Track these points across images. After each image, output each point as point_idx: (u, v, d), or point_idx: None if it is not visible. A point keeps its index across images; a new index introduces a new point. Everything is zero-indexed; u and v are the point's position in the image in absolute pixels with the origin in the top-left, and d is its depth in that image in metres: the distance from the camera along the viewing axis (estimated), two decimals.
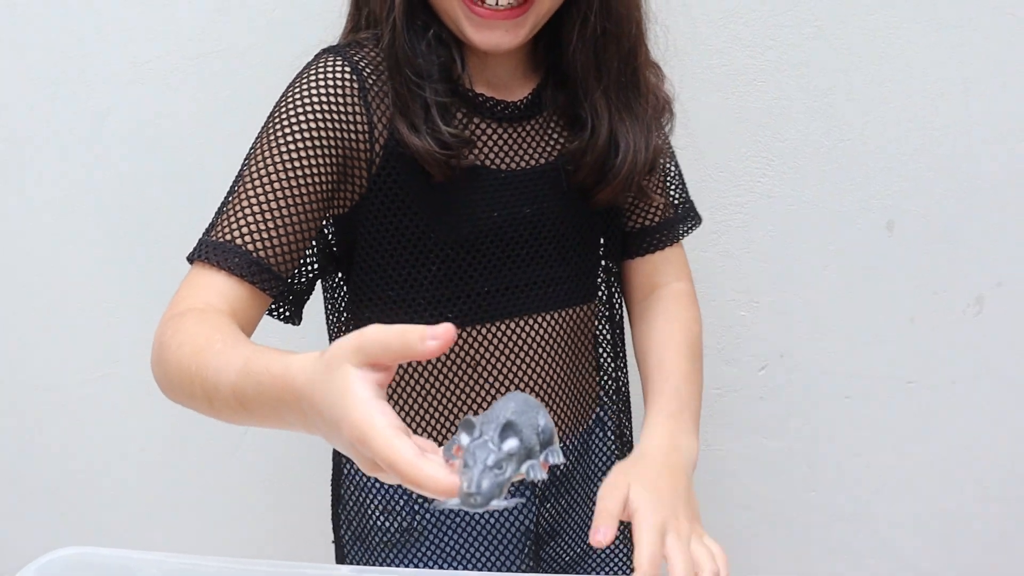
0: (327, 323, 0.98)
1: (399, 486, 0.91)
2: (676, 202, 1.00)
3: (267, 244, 0.79)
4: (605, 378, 1.03)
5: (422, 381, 0.91)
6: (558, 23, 0.86)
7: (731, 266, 1.37)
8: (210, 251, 0.78)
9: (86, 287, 1.37)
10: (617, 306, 1.02)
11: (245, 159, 0.83)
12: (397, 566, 0.94)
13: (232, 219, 0.79)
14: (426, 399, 0.91)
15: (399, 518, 0.93)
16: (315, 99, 0.82)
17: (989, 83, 1.30)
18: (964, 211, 1.35)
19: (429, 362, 0.90)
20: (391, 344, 0.53)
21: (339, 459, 1.00)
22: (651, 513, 0.72)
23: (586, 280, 0.97)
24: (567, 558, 0.99)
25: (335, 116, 0.82)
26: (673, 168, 1.00)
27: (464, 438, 0.54)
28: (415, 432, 0.65)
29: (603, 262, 1.00)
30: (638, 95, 0.90)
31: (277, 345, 0.71)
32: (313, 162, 0.81)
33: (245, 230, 0.79)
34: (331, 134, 0.81)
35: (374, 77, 0.84)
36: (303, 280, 0.88)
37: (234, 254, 0.78)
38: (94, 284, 1.37)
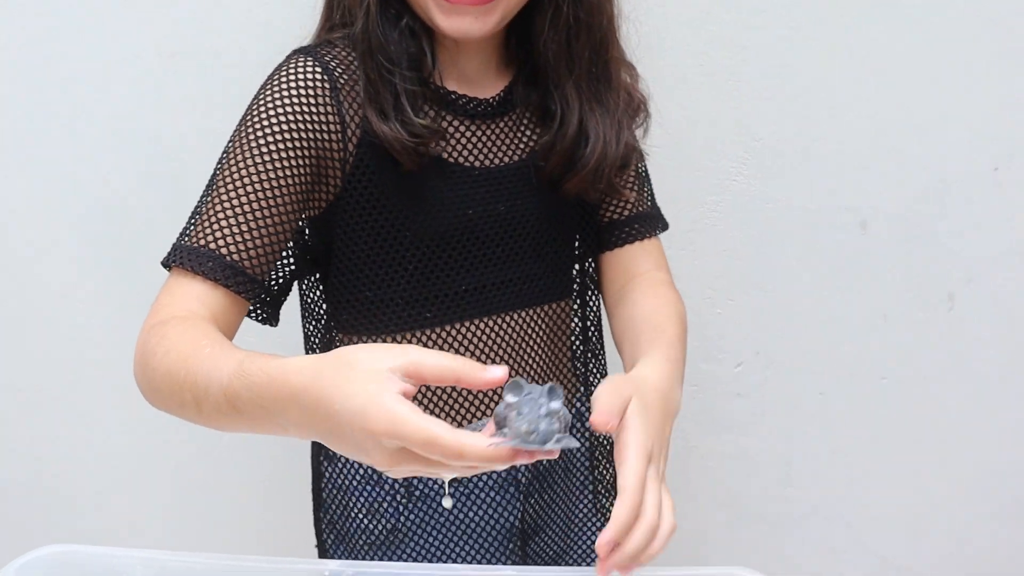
0: (303, 323, 0.98)
1: (382, 487, 0.92)
2: (648, 199, 1.01)
3: (243, 248, 0.79)
4: (583, 374, 1.03)
5: None
6: (530, 16, 0.86)
7: (707, 264, 1.38)
8: (186, 257, 0.78)
9: (62, 287, 1.36)
10: (592, 303, 1.02)
11: (218, 162, 0.83)
12: None
13: (207, 224, 0.79)
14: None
15: (383, 519, 0.93)
16: (287, 101, 0.81)
17: (960, 84, 1.32)
18: (936, 210, 1.37)
19: None
20: (445, 375, 0.59)
21: (319, 463, 1.00)
22: (643, 435, 0.68)
23: (562, 277, 0.97)
24: (551, 553, 1.00)
25: (307, 117, 0.82)
26: (644, 171, 1.01)
27: (511, 397, 0.59)
28: None
29: (578, 261, 1.00)
30: (609, 88, 0.90)
31: (254, 344, 0.71)
32: (287, 163, 0.81)
33: (220, 234, 0.79)
34: (304, 135, 0.81)
35: (345, 77, 0.84)
36: (280, 282, 0.88)
37: (210, 259, 0.78)
38: (70, 284, 1.36)
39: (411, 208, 0.86)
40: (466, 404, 0.92)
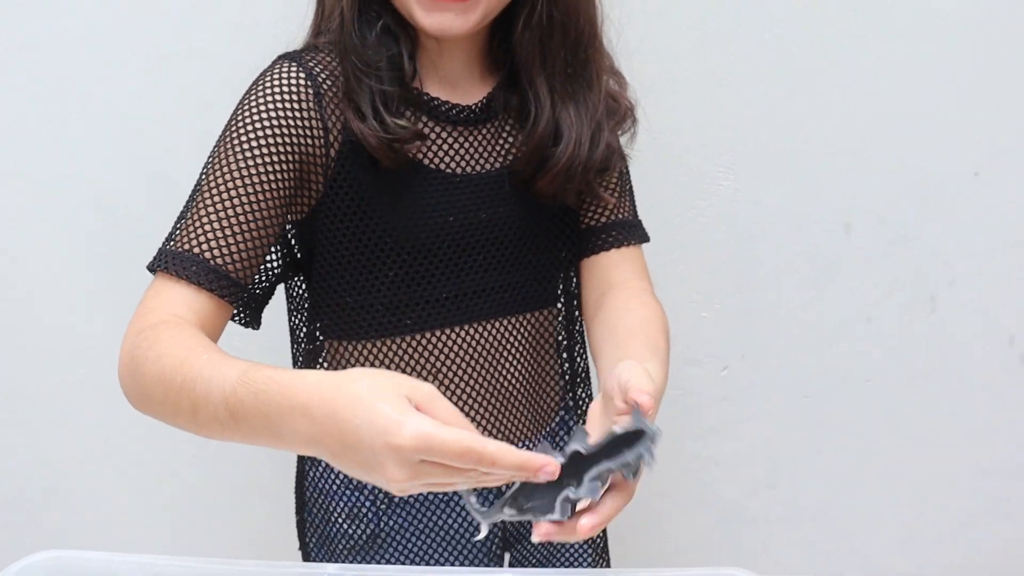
0: (290, 327, 0.98)
1: (363, 492, 0.92)
2: (630, 209, 0.99)
3: (227, 252, 0.79)
4: (569, 381, 1.03)
5: None
6: (512, 18, 0.86)
7: (693, 268, 1.39)
8: (171, 261, 0.79)
9: (51, 290, 1.36)
10: (576, 312, 1.01)
11: (203, 168, 0.83)
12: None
13: (192, 229, 0.80)
14: None
15: (364, 524, 0.93)
16: (270, 106, 0.82)
17: (941, 90, 1.34)
18: (918, 213, 1.38)
19: (387, 367, 0.90)
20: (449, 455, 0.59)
21: (303, 464, 1.00)
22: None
23: (546, 285, 0.96)
24: (534, 560, 1.00)
25: (290, 122, 0.82)
26: (627, 178, 0.99)
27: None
28: None
29: (562, 270, 0.99)
30: (588, 89, 0.89)
31: (239, 346, 0.71)
32: (270, 167, 0.81)
33: (204, 239, 0.79)
34: (287, 140, 0.82)
35: (329, 82, 0.84)
36: (263, 286, 0.88)
37: (194, 264, 0.78)
38: (59, 287, 1.36)
39: (392, 214, 0.86)
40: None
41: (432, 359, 0.90)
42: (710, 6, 1.29)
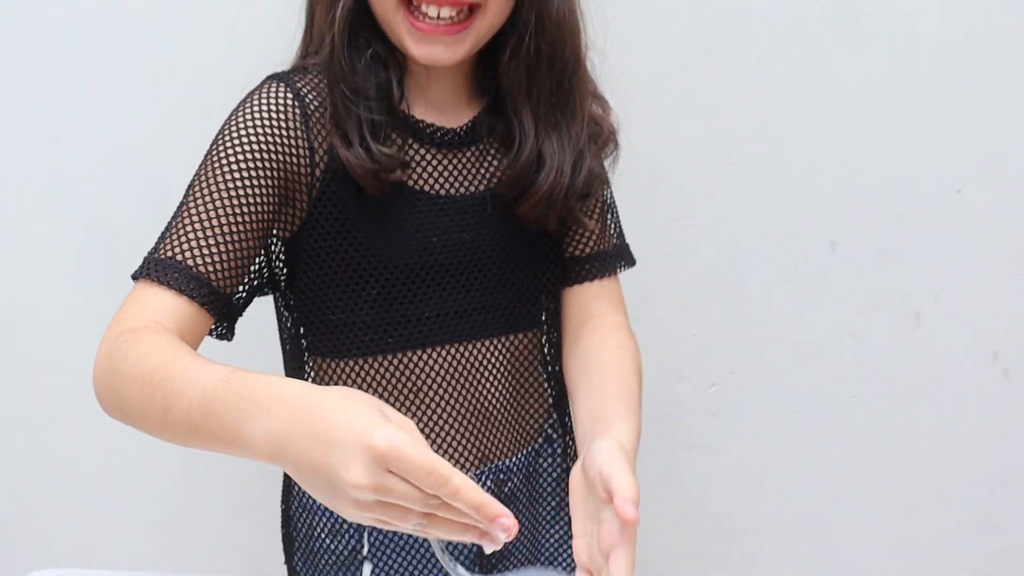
0: (280, 340, 0.98)
1: None
2: (614, 235, 1.00)
3: (209, 261, 0.80)
4: (554, 402, 1.03)
5: None
6: (499, 47, 0.88)
7: (681, 285, 1.40)
8: (153, 268, 0.79)
9: (38, 304, 1.36)
10: (557, 334, 1.01)
11: (190, 183, 0.84)
12: None
13: (175, 237, 0.80)
14: None
15: (345, 540, 0.94)
16: (256, 125, 0.83)
17: (925, 109, 1.35)
18: (903, 230, 1.39)
19: (367, 387, 0.91)
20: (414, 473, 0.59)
21: (289, 482, 1.00)
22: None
23: (529, 307, 0.97)
24: None
25: (276, 141, 0.83)
26: (611, 202, 1.01)
27: None
28: None
29: (545, 292, 0.99)
30: (571, 119, 0.91)
31: (222, 356, 0.71)
32: (255, 182, 0.82)
33: (187, 247, 0.80)
34: (272, 158, 0.83)
35: (316, 103, 0.85)
36: (240, 299, 0.88)
37: (176, 271, 0.79)
38: (47, 301, 1.36)
39: (376, 234, 0.87)
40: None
41: (414, 378, 0.91)
42: (695, 27, 1.30)
